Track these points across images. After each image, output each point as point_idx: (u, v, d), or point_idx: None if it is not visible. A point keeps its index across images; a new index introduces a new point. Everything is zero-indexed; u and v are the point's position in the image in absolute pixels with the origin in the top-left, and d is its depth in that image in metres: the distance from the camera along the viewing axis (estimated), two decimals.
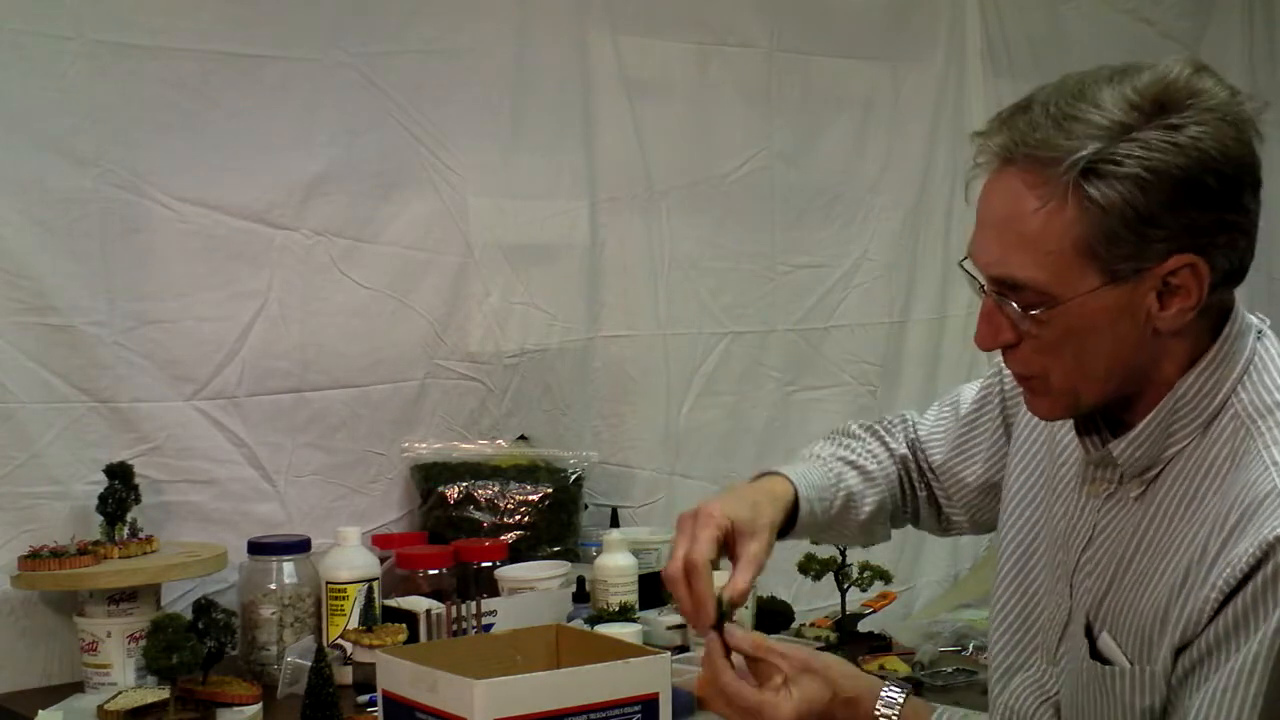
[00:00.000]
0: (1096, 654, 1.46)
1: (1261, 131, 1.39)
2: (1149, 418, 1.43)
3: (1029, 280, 1.37)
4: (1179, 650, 1.37)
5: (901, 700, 1.51)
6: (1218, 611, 1.33)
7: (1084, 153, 1.33)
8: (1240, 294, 1.45)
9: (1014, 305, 1.40)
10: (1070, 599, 1.52)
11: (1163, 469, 1.44)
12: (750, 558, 1.57)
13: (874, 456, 1.81)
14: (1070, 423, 1.53)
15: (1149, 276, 1.35)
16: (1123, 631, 1.43)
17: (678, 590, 1.54)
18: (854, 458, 1.80)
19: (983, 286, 1.43)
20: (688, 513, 1.59)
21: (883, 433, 1.85)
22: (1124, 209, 1.33)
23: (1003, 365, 1.56)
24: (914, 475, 1.83)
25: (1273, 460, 1.36)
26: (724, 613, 1.53)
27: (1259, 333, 1.46)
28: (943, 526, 1.86)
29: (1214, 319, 1.43)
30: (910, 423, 1.86)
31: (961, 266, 1.46)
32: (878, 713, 1.50)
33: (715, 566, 1.55)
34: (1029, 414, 1.61)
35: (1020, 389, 1.52)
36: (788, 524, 1.67)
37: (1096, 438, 1.49)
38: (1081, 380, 1.42)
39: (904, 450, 1.83)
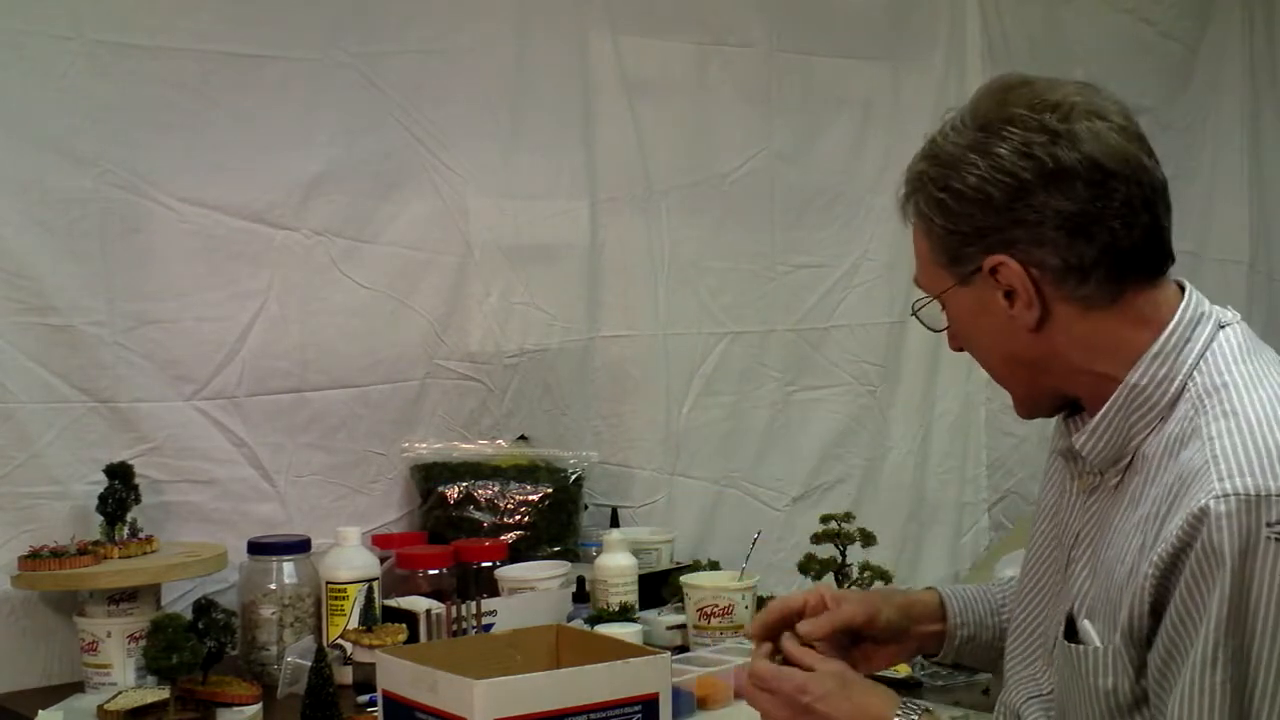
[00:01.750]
0: (1072, 635, 1.48)
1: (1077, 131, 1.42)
2: (1104, 409, 1.47)
3: (923, 287, 1.56)
4: (1144, 639, 1.38)
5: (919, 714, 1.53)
6: (1160, 591, 1.35)
7: (908, 175, 1.51)
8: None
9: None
10: (1073, 595, 1.53)
11: (1134, 457, 1.47)
12: (831, 611, 1.65)
13: None
14: None
15: (979, 277, 1.48)
16: (1097, 616, 1.45)
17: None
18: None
19: None
20: None
21: None
22: (931, 222, 1.49)
23: None
24: None
25: (1209, 435, 1.38)
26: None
27: (1221, 325, 1.48)
28: None
29: (1135, 307, 1.45)
30: None
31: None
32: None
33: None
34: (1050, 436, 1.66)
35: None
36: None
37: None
38: (996, 376, 1.56)
39: None
